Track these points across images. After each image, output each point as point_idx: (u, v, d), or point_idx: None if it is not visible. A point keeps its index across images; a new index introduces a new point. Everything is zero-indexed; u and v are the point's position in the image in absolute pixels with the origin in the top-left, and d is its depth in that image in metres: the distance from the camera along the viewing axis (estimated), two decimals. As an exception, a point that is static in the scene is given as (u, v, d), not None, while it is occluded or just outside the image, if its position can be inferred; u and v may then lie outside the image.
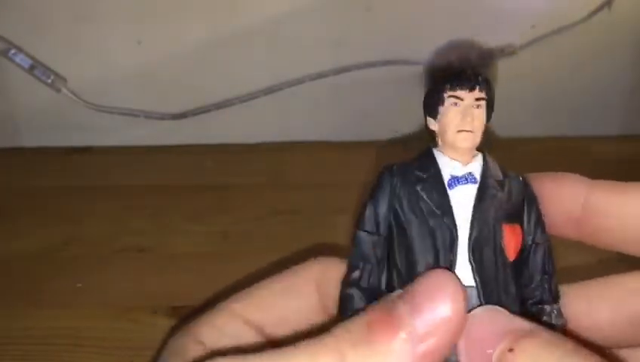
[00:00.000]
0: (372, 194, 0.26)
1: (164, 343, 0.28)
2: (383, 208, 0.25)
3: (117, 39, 0.63)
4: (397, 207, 0.25)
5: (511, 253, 0.25)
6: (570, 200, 0.28)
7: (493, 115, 0.26)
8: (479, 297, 0.23)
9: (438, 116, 0.26)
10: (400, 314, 0.21)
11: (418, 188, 0.25)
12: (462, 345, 0.23)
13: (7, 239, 0.53)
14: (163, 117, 0.65)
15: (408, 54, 0.62)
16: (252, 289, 0.29)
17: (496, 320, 0.23)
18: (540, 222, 0.26)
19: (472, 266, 0.24)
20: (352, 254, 0.25)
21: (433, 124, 0.26)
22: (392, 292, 0.23)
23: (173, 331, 0.28)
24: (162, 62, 0.64)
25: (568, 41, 0.62)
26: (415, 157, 0.26)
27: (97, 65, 0.64)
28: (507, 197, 0.25)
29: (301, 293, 0.28)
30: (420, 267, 0.24)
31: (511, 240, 0.25)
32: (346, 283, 0.25)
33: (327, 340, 0.22)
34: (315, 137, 0.66)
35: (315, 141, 0.65)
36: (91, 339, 0.43)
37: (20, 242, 0.53)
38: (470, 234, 0.24)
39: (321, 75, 0.63)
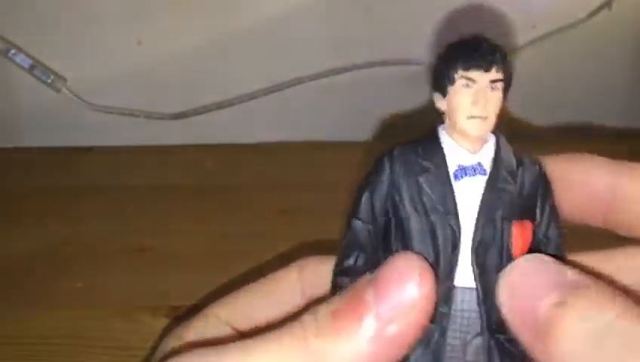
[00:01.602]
0: (369, 180, 0.23)
1: (158, 344, 0.28)
2: (380, 197, 0.23)
3: (117, 39, 0.63)
4: (396, 197, 0.23)
5: (517, 253, 0.23)
6: (598, 186, 0.26)
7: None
8: (478, 301, 0.22)
9: (448, 95, 0.23)
10: (365, 300, 0.21)
11: (420, 179, 0.22)
12: (505, 298, 0.22)
13: (7, 239, 0.53)
14: (163, 117, 0.65)
15: (408, 54, 0.62)
16: (236, 295, 0.28)
17: (544, 270, 0.21)
18: (553, 215, 0.24)
19: (474, 270, 0.22)
20: (345, 242, 0.24)
21: (441, 102, 0.23)
22: None
23: (166, 332, 0.28)
24: (162, 62, 0.64)
25: (568, 41, 0.62)
26: (419, 139, 0.23)
27: (97, 65, 0.64)
28: (519, 191, 0.23)
29: (285, 298, 0.28)
30: None
31: (519, 240, 0.23)
32: (340, 271, 0.24)
33: (295, 328, 0.22)
34: (315, 137, 0.65)
35: (315, 141, 0.65)
36: (91, 339, 0.43)
37: (20, 242, 0.53)
38: (474, 236, 0.22)
39: (321, 75, 0.63)
